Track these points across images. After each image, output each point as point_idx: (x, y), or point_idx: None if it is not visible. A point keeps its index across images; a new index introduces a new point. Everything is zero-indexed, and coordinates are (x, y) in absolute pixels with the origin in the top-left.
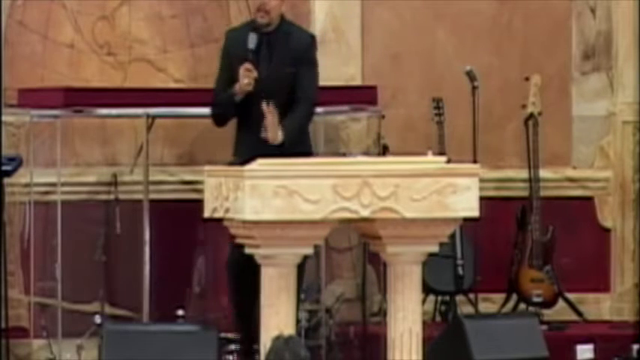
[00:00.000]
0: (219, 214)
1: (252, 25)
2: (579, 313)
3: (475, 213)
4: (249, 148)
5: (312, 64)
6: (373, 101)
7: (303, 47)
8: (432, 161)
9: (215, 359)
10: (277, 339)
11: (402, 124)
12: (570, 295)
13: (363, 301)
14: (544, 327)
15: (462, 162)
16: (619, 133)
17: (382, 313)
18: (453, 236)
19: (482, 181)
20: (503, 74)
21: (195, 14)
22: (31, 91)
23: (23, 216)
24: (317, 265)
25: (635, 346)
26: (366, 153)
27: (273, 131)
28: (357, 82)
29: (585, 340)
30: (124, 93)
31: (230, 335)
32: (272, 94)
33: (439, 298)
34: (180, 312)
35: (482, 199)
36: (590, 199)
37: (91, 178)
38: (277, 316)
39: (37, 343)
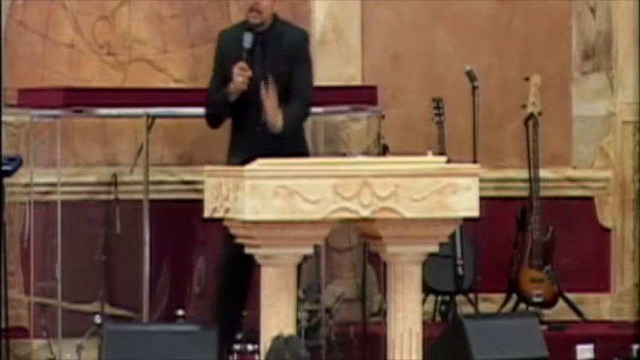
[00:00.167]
0: (219, 214)
1: (245, 26)
2: (579, 313)
3: (475, 213)
4: (245, 148)
5: (306, 60)
6: (373, 101)
7: (296, 45)
8: (432, 161)
9: (215, 359)
10: (277, 339)
11: (402, 124)
12: (570, 295)
13: (363, 301)
14: (544, 327)
15: (462, 162)
16: (619, 133)
17: (382, 313)
18: (453, 236)
19: (482, 181)
20: (503, 74)
21: (195, 14)
22: (31, 91)
23: (23, 216)
24: (317, 265)
25: (635, 346)
26: (366, 153)
27: (274, 116)
28: (357, 82)
29: (585, 340)
30: (124, 93)
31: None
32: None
33: (439, 298)
34: (180, 312)
35: (482, 199)
36: (590, 199)
37: (91, 178)
38: (277, 316)
39: (37, 343)
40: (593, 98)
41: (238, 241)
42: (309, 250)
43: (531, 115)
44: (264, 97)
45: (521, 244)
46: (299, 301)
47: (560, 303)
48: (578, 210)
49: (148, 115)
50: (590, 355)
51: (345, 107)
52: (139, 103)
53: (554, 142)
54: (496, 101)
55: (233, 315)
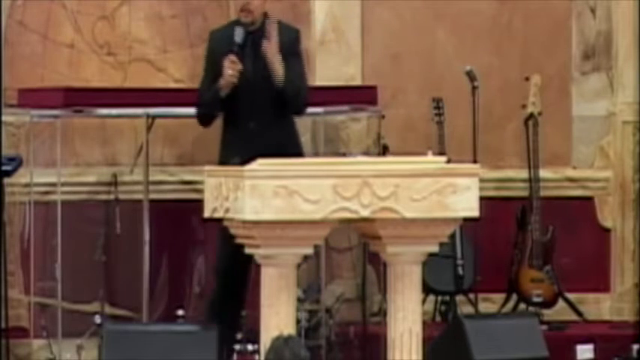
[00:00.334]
0: (219, 214)
1: (235, 25)
2: (579, 313)
3: (475, 213)
4: (238, 146)
5: (298, 57)
6: (373, 101)
7: (288, 41)
8: (432, 161)
9: (215, 359)
10: (277, 339)
11: (402, 124)
12: (570, 295)
13: (363, 301)
14: (544, 327)
15: (462, 162)
16: (619, 133)
17: (382, 313)
18: (453, 236)
19: (482, 181)
20: (503, 74)
21: (195, 14)
22: (31, 91)
23: (23, 216)
24: (317, 265)
25: (635, 346)
26: (366, 153)
27: (275, 64)
28: (357, 82)
29: (585, 340)
30: (124, 93)
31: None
32: (258, 90)
33: (439, 298)
34: (180, 312)
35: (482, 199)
36: (590, 199)
37: (91, 178)
38: (277, 316)
39: (37, 343)
40: (593, 98)
41: (238, 241)
42: (309, 250)
43: (531, 115)
44: (265, 47)
45: (521, 244)
46: (299, 301)
47: (560, 303)
48: (578, 210)
49: (148, 115)
50: (590, 355)
51: (345, 107)
52: (139, 103)
53: (554, 142)
54: (496, 101)
55: (231, 316)
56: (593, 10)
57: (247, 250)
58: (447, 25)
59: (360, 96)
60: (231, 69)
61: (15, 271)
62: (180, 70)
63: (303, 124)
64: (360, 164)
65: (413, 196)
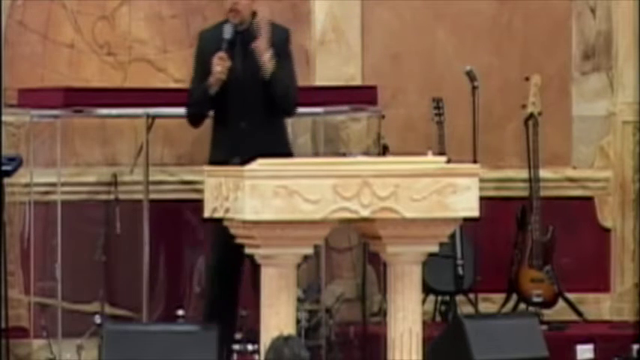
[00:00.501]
0: (219, 214)
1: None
2: (579, 313)
3: (475, 213)
4: (228, 145)
5: (288, 57)
6: (373, 101)
7: (278, 41)
8: (432, 161)
9: (215, 359)
10: (277, 339)
11: (402, 124)
12: (570, 295)
13: (363, 301)
14: (544, 327)
15: (462, 162)
16: (619, 133)
17: (382, 313)
18: (453, 236)
19: (482, 181)
20: (503, 74)
21: (195, 14)
22: (31, 91)
23: (23, 216)
24: (317, 265)
25: (635, 346)
26: (366, 153)
27: (265, 57)
28: (357, 82)
29: (585, 340)
30: (124, 93)
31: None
32: (248, 89)
33: (439, 298)
34: (180, 312)
35: (482, 199)
36: (590, 199)
37: (91, 178)
38: (277, 316)
39: (37, 343)
40: (593, 98)
41: (238, 241)
42: (309, 250)
43: (531, 115)
44: (256, 43)
45: (521, 244)
46: (299, 301)
47: (560, 303)
48: (578, 210)
49: (148, 115)
50: (590, 355)
51: (345, 107)
52: (139, 103)
53: (554, 142)
54: (496, 101)
55: (228, 313)
56: (593, 10)
57: (247, 250)
58: (447, 25)
59: (360, 96)
60: (220, 65)
61: (15, 271)
62: (180, 70)
63: (303, 124)
64: (360, 164)
65: (413, 196)
